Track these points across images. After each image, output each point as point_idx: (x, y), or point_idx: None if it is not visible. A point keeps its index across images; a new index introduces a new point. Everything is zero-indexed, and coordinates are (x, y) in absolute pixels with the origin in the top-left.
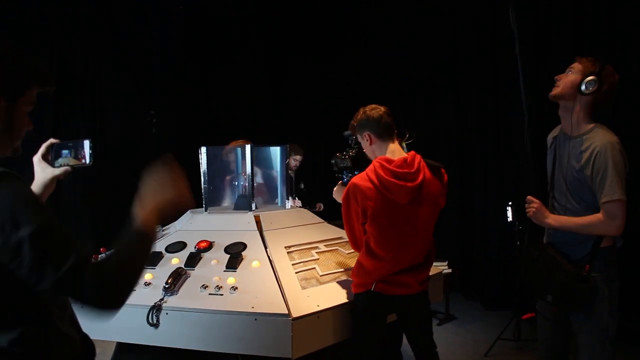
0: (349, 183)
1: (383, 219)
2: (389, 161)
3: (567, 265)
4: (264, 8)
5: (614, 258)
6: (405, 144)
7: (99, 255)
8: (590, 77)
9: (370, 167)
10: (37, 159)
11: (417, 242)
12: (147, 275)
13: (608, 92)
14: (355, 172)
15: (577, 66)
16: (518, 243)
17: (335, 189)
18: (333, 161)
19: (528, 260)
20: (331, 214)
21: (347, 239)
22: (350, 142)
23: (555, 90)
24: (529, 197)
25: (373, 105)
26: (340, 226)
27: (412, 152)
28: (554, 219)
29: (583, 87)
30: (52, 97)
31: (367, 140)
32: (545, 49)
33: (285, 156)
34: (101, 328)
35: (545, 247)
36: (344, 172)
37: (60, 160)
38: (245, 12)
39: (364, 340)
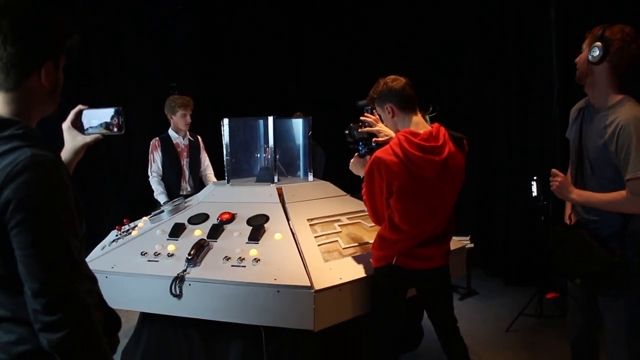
0: (373, 156)
1: (409, 193)
2: (415, 134)
3: (599, 251)
4: None
5: None
6: (429, 117)
7: (122, 226)
8: (595, 44)
9: (395, 140)
10: (66, 125)
11: (441, 213)
12: (170, 247)
13: (622, 54)
14: (372, 144)
15: (586, 42)
16: (543, 218)
17: (352, 160)
18: (347, 132)
19: (557, 240)
20: (353, 186)
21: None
22: (365, 112)
23: (577, 73)
24: (553, 170)
25: (393, 76)
26: (362, 199)
27: (437, 124)
28: (577, 194)
29: (590, 57)
30: (74, 69)
31: (389, 112)
32: (576, 18)
33: (308, 128)
34: (125, 298)
35: (575, 227)
36: (360, 143)
37: (90, 129)
38: None
39: (385, 314)
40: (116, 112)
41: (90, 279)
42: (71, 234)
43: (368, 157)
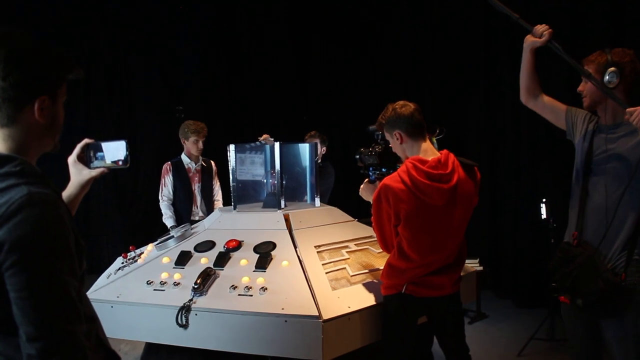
0: (381, 184)
1: (417, 221)
2: (423, 162)
3: (605, 272)
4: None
5: None
6: (436, 140)
7: (128, 254)
8: (610, 70)
9: (403, 167)
10: (72, 160)
11: (450, 243)
12: (176, 275)
13: (635, 74)
14: (383, 169)
15: (589, 69)
16: (552, 240)
17: (362, 187)
18: (358, 156)
19: (562, 258)
20: (360, 211)
21: (374, 234)
22: (375, 137)
23: (586, 102)
24: (628, 109)
25: (402, 102)
26: (370, 224)
27: (445, 151)
28: None
29: (607, 84)
30: (81, 94)
31: (397, 139)
32: (580, 41)
33: (314, 153)
34: (131, 328)
35: (582, 245)
36: (370, 168)
37: (96, 162)
38: (273, 6)
39: (395, 343)
40: (121, 145)
41: (89, 318)
42: (69, 273)
43: (378, 182)
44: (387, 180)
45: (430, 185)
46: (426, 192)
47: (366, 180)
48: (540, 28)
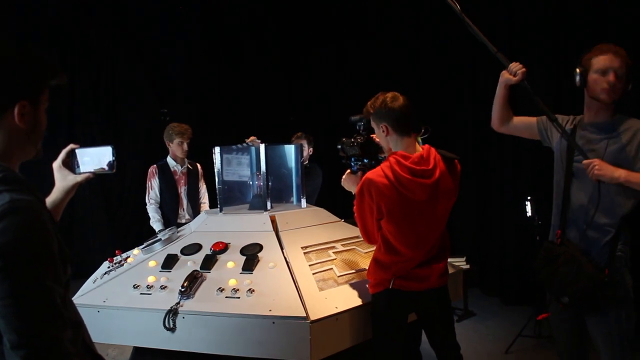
0: (364, 178)
1: (399, 215)
2: (406, 157)
3: (589, 269)
4: (277, 4)
5: (628, 258)
6: (421, 139)
7: (114, 258)
8: (627, 63)
9: (386, 162)
10: (57, 165)
11: (432, 236)
12: (163, 279)
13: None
14: (365, 160)
15: (617, 62)
16: (538, 238)
17: (344, 177)
18: (339, 147)
19: (546, 257)
20: (346, 212)
21: (360, 234)
22: (357, 127)
23: (617, 92)
24: (584, 161)
25: (393, 95)
26: (357, 225)
27: (427, 146)
28: (626, 173)
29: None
30: (65, 97)
31: (383, 131)
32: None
33: (300, 154)
34: (118, 332)
35: (565, 244)
36: (352, 159)
37: (82, 167)
38: (258, 8)
39: (386, 341)
40: (107, 151)
41: (74, 324)
42: (52, 280)
43: (360, 173)
44: (370, 174)
45: (412, 181)
46: (409, 187)
47: (348, 170)
48: (515, 67)
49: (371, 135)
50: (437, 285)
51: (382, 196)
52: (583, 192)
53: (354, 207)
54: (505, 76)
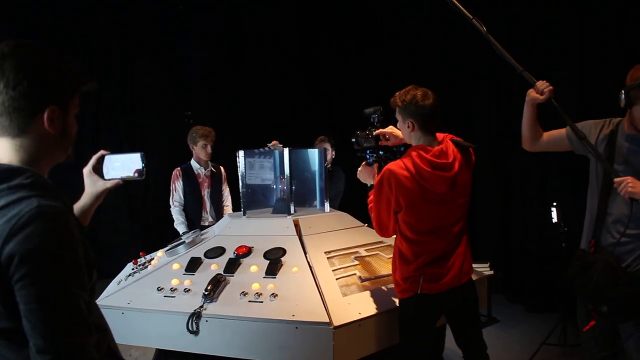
0: (384, 169)
1: (420, 207)
2: (427, 150)
3: (627, 276)
4: (299, 7)
5: None
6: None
7: (138, 260)
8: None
9: (407, 155)
10: (87, 171)
11: (451, 229)
12: (186, 282)
13: None
14: (380, 152)
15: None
16: (564, 245)
17: (359, 169)
18: (354, 139)
19: (580, 265)
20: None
21: (384, 239)
22: (372, 120)
23: None
24: (616, 179)
25: (425, 91)
26: None
27: (443, 137)
28: None
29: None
30: (92, 102)
31: (408, 126)
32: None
33: (323, 159)
34: (141, 334)
35: (600, 252)
36: (367, 151)
37: (112, 173)
38: (281, 9)
39: (413, 346)
40: (137, 157)
41: (100, 329)
42: (78, 286)
43: (376, 165)
44: (391, 165)
45: (433, 174)
46: (430, 180)
47: (364, 162)
48: (542, 85)
49: (380, 130)
50: (463, 281)
51: (402, 188)
52: (618, 203)
53: (369, 197)
54: (532, 95)
